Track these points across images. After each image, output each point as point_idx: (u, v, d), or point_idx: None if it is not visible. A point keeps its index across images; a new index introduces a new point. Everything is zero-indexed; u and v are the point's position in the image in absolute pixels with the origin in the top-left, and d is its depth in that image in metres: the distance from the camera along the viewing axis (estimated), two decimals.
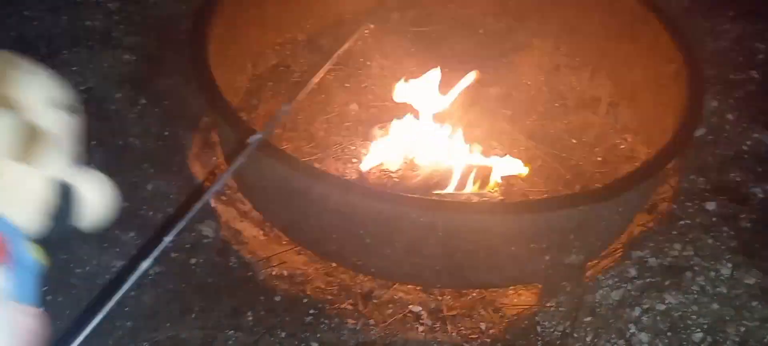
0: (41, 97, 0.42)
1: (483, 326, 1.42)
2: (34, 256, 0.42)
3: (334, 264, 1.49)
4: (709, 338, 1.29)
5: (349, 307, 1.40)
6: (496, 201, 1.59)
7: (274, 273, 1.44)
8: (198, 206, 0.70)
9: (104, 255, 1.33)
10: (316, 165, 1.85)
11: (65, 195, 0.43)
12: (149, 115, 1.65)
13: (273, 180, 1.37)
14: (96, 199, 0.46)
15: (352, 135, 1.95)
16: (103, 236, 1.38)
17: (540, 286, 1.47)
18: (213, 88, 1.45)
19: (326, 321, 1.32)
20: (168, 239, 0.61)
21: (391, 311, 1.43)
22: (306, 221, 1.38)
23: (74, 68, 1.70)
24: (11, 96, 0.41)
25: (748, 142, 1.69)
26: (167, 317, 1.26)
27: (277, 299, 1.35)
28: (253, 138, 0.84)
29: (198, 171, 1.63)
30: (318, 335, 1.29)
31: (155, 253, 0.60)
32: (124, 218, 1.42)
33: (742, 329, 1.30)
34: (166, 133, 1.63)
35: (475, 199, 1.79)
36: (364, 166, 1.81)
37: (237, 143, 1.30)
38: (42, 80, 0.44)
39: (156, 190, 1.50)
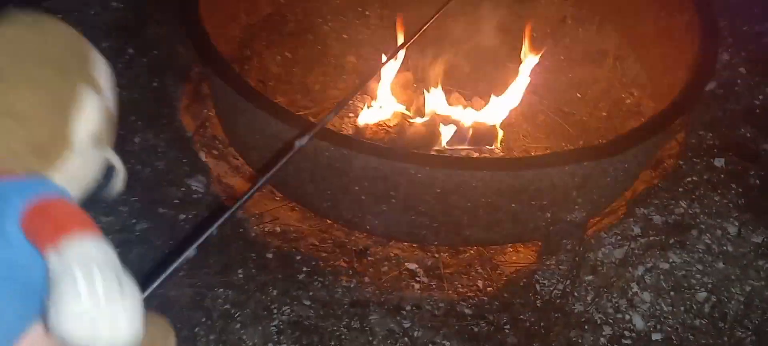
0: (108, 79, 0.42)
1: (480, 283, 1.38)
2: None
3: (328, 221, 1.45)
4: (713, 298, 1.25)
5: (344, 264, 1.36)
6: (497, 157, 1.54)
7: (266, 230, 1.40)
8: (241, 201, 0.64)
9: (90, 212, 1.29)
10: (312, 119, 1.80)
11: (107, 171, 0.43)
12: (137, 65, 1.59)
13: (264, 134, 1.32)
14: (122, 171, 0.47)
15: (349, 88, 1.89)
16: None
17: (540, 243, 1.43)
18: (204, 39, 1.39)
19: (320, 279, 1.29)
20: (212, 229, 0.56)
21: (386, 268, 1.39)
22: (298, 176, 1.33)
23: (59, 15, 1.63)
24: (95, 77, 0.41)
25: (760, 97, 1.63)
26: (155, 275, 1.22)
27: (269, 256, 1.31)
28: (299, 143, 0.78)
29: (188, 123, 1.57)
30: (311, 293, 1.25)
31: (199, 241, 0.54)
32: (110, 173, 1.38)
33: (748, 288, 1.27)
34: (155, 84, 1.57)
35: (475, 154, 1.75)
36: (361, 120, 1.75)
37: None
38: (104, 61, 0.44)
39: (144, 143, 1.45)
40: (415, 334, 1.21)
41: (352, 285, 1.30)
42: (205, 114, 1.64)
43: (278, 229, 1.42)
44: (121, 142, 1.44)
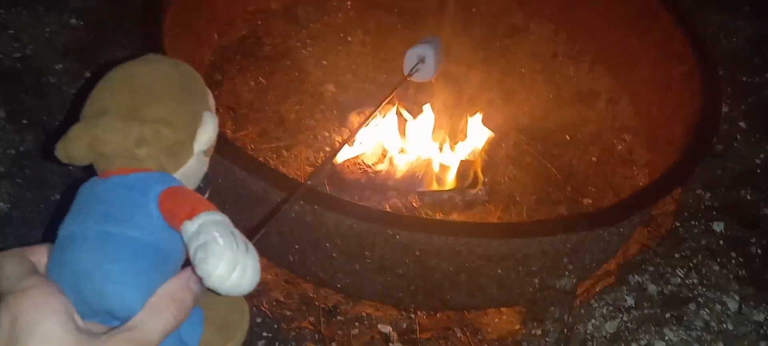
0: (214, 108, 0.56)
1: None
2: None
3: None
4: None
5: (309, 327, 1.24)
6: (483, 223, 1.42)
7: None
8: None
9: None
10: (285, 152, 1.67)
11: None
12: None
13: (224, 178, 1.19)
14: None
15: (327, 120, 1.77)
16: (28, 236, 1.19)
17: (524, 308, 1.32)
18: None
19: None
20: None
21: (357, 331, 1.27)
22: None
23: (10, 31, 1.48)
24: (211, 106, 0.55)
25: (761, 156, 1.54)
26: None
27: None
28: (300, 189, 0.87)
29: None
30: None
31: None
32: (57, 212, 1.23)
33: None
34: None
35: (458, 198, 1.64)
36: (339, 157, 1.63)
37: None
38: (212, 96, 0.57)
39: None
40: None
41: None
42: None
43: None
44: (71, 179, 1.31)
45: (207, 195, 0.55)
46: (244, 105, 1.71)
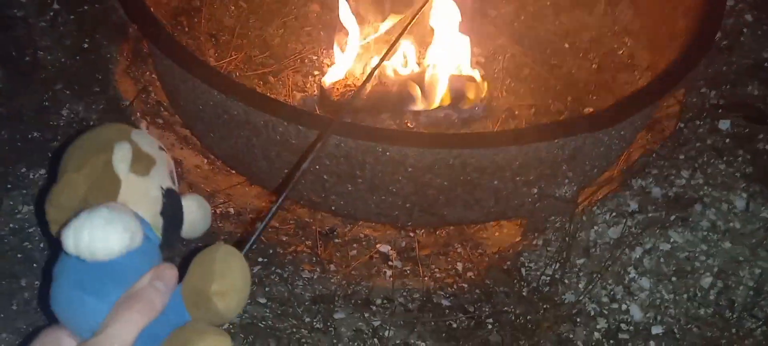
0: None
1: (460, 266, 1.24)
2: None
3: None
4: (719, 283, 1.12)
5: (306, 250, 1.21)
6: (476, 133, 1.37)
7: (218, 212, 1.23)
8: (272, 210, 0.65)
9: (7, 198, 1.11)
10: (271, 78, 1.61)
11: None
12: (64, 23, 1.38)
13: (208, 105, 1.14)
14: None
15: (314, 42, 1.70)
16: (4, 174, 1.15)
17: (525, 220, 1.29)
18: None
19: (278, 270, 1.13)
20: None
21: (355, 252, 1.24)
22: (249, 153, 1.16)
23: None
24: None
25: None
26: None
27: None
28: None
29: (126, 89, 1.38)
30: (267, 289, 1.10)
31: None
32: (32, 152, 1.19)
33: (757, 271, 1.13)
34: (85, 45, 1.36)
35: (454, 116, 1.59)
36: (327, 79, 1.57)
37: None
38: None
39: (73, 116, 1.25)
40: (386, 333, 1.07)
41: (315, 276, 1.15)
42: (147, 77, 1.45)
43: (232, 210, 1.26)
44: (46, 116, 1.26)
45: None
46: (225, 31, 1.64)
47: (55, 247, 0.52)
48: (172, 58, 1.10)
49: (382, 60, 0.96)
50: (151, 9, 1.24)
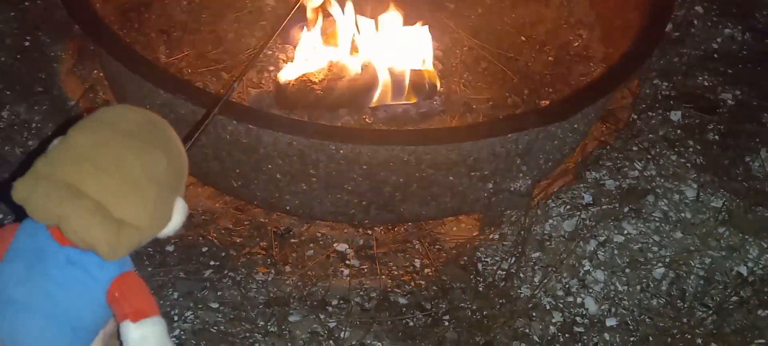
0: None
1: (417, 263, 1.23)
2: None
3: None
4: (671, 274, 1.14)
5: (261, 252, 1.19)
6: (430, 129, 1.36)
7: None
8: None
9: None
10: (225, 74, 1.58)
11: None
12: (3, 20, 1.33)
13: (155, 104, 1.10)
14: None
15: (268, 37, 1.66)
16: None
17: (481, 214, 1.29)
18: None
19: (231, 274, 1.11)
20: None
21: (312, 252, 1.22)
22: (200, 152, 1.13)
23: None
24: (183, 188, 0.57)
25: (719, 40, 1.49)
26: None
27: (169, 249, 1.12)
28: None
29: (72, 89, 1.33)
30: (219, 293, 1.07)
31: None
32: None
33: (708, 260, 1.15)
34: (27, 43, 1.31)
35: (413, 111, 1.57)
36: (283, 75, 1.54)
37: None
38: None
39: (14, 117, 1.21)
40: (342, 335, 1.05)
41: (269, 278, 1.13)
42: (94, 76, 1.40)
43: None
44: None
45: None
46: (177, 27, 1.60)
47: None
48: (115, 57, 1.07)
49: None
50: (96, 6, 1.20)
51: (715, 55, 1.46)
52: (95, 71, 1.40)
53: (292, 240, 1.24)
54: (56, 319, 0.50)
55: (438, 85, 1.57)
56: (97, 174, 0.50)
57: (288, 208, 1.22)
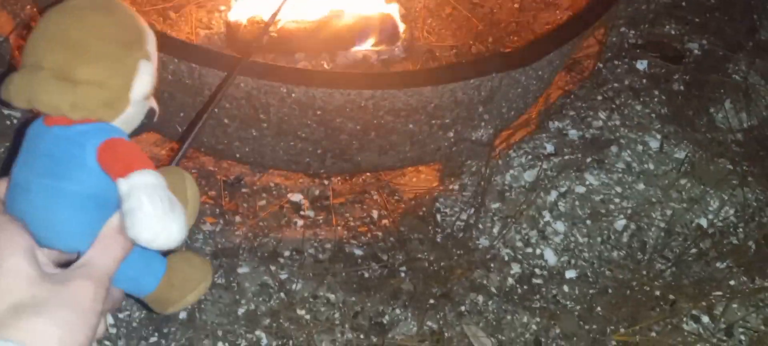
0: (155, 47, 0.58)
1: (375, 214, 1.18)
2: None
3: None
4: (632, 225, 1.12)
5: (209, 201, 1.13)
6: (388, 72, 1.30)
7: None
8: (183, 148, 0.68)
9: None
10: (172, 14, 1.48)
11: None
12: None
13: None
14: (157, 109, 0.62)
15: None
16: None
17: (442, 164, 1.24)
18: None
19: None
20: None
21: (264, 202, 1.16)
22: None
23: None
24: (148, 50, 0.56)
25: None
26: None
27: None
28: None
29: (2, 24, 1.23)
30: None
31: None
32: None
33: (669, 212, 1.14)
34: None
35: (374, 57, 1.51)
36: (233, 15, 1.46)
37: None
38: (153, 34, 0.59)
39: None
40: (294, 287, 1.01)
41: (217, 229, 1.07)
42: (27, 12, 1.29)
43: None
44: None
45: (154, 122, 0.59)
46: None
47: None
48: None
49: None
50: None
51: (683, 3, 1.42)
52: (28, 7, 1.30)
53: (243, 190, 1.18)
54: (64, 192, 0.53)
55: (401, 29, 1.51)
56: (48, 46, 0.54)
57: (238, 155, 1.16)
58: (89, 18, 0.55)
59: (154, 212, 0.50)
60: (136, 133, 0.58)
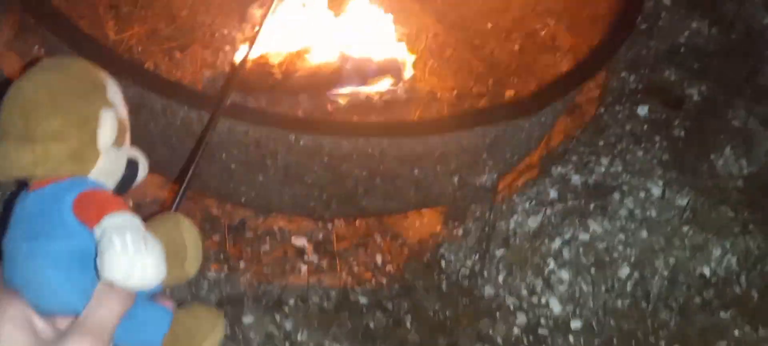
0: (119, 95, 0.58)
1: (379, 259, 1.18)
2: None
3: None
4: (636, 274, 1.12)
5: (213, 246, 1.12)
6: (395, 122, 1.31)
7: None
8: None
9: None
10: (178, 54, 1.49)
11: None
12: None
13: None
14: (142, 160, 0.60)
15: (225, 15, 1.58)
16: None
17: (445, 209, 1.25)
18: None
19: None
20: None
21: (267, 247, 1.16)
22: (147, 137, 1.05)
23: None
24: (109, 99, 0.56)
25: (686, 34, 1.48)
26: None
27: None
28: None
29: (10, 64, 1.23)
30: (167, 292, 1.00)
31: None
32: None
33: (672, 260, 1.14)
34: None
35: (376, 98, 1.52)
36: (239, 56, 1.47)
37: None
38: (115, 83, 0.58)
39: None
40: (299, 337, 1.00)
41: (222, 276, 1.07)
42: (36, 52, 1.30)
43: (131, 202, 1.15)
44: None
45: (142, 177, 0.58)
46: (127, 1, 1.50)
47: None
48: (55, 34, 0.98)
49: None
50: None
51: (682, 49, 1.45)
52: (37, 47, 1.30)
53: (247, 234, 1.18)
54: (45, 251, 0.53)
55: (405, 72, 1.52)
56: (8, 114, 0.54)
57: (243, 200, 1.16)
58: (42, 77, 0.55)
59: (124, 250, 0.48)
60: (124, 189, 0.57)
